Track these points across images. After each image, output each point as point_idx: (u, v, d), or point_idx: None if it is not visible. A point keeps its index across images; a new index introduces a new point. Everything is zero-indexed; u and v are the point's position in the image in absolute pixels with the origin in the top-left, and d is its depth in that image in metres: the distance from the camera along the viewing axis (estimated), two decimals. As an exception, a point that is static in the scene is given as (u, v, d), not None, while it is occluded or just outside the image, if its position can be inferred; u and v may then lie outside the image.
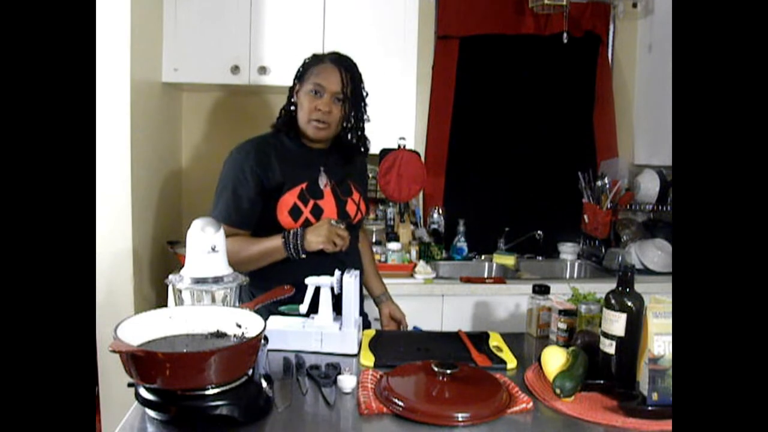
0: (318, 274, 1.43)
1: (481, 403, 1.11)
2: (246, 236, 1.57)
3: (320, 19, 2.50)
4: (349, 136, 1.67)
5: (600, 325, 1.26)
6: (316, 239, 1.51)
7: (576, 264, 2.87)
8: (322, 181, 1.61)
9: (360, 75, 1.62)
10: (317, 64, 1.59)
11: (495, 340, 1.51)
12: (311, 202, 1.57)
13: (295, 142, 1.64)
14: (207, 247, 1.27)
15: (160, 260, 2.51)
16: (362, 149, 1.70)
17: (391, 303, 1.81)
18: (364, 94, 1.63)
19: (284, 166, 1.58)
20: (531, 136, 2.92)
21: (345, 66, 1.59)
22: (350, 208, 1.65)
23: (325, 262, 1.51)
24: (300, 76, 1.62)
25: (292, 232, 1.52)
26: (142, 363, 0.97)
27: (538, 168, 2.94)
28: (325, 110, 1.55)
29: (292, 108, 1.63)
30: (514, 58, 2.87)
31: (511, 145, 2.92)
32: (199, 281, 1.27)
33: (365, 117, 1.65)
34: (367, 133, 1.69)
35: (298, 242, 1.51)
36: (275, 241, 1.52)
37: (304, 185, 1.58)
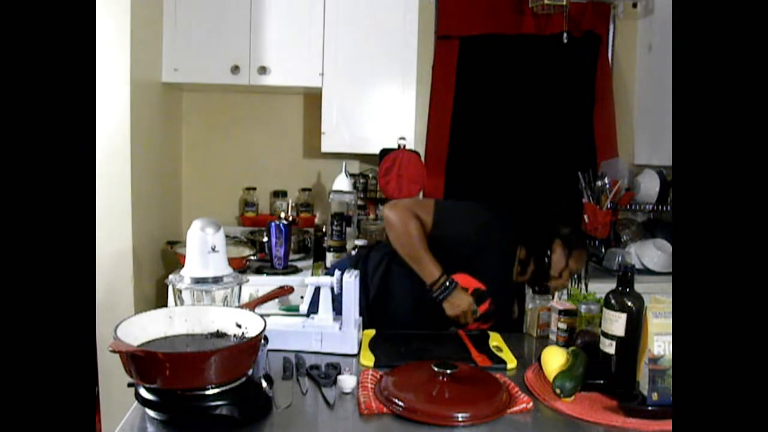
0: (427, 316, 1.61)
1: (481, 403, 1.11)
2: (423, 232, 1.60)
3: (320, 20, 2.51)
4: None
5: (600, 325, 1.26)
6: (453, 306, 1.58)
7: (576, 264, 2.86)
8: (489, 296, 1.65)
9: None
10: (583, 248, 1.69)
11: (495, 340, 1.51)
12: (473, 302, 1.62)
13: (513, 261, 1.68)
14: (207, 247, 1.28)
15: (160, 260, 2.51)
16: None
17: None
18: None
19: (491, 266, 1.64)
20: (531, 136, 2.92)
21: None
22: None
23: (432, 307, 1.60)
24: (569, 247, 1.65)
25: (447, 283, 1.58)
26: (142, 363, 0.97)
27: (538, 168, 2.93)
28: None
29: (546, 259, 1.65)
30: (514, 58, 2.87)
31: (511, 145, 2.91)
32: (199, 281, 1.27)
33: None
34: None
35: (443, 295, 1.57)
36: (433, 271, 1.58)
37: (482, 287, 1.62)
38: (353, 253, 2.33)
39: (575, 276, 1.63)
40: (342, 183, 2.48)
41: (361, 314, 1.50)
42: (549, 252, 1.64)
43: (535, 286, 1.68)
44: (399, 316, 1.68)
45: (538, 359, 1.30)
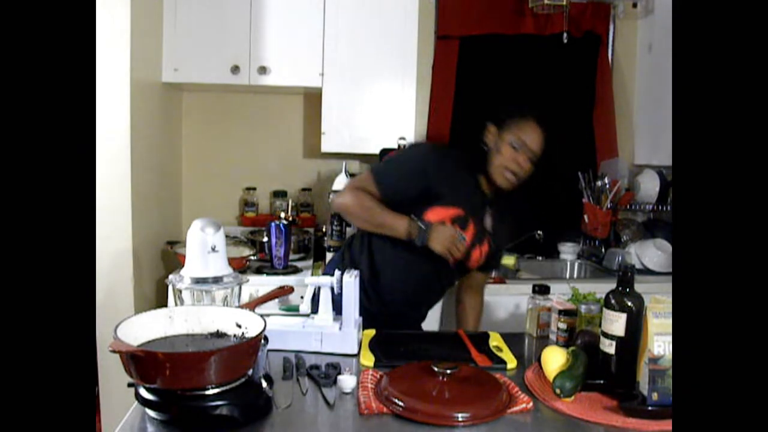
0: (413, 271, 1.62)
1: (481, 403, 1.11)
2: (375, 199, 1.59)
3: (320, 20, 2.51)
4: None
5: (600, 325, 1.26)
6: (438, 241, 1.54)
7: (576, 264, 2.87)
8: (471, 218, 1.63)
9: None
10: (523, 118, 1.65)
11: (495, 340, 1.51)
12: (457, 229, 1.59)
13: (473, 177, 1.68)
14: (207, 247, 1.27)
15: (160, 260, 2.51)
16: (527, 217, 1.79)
17: None
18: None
19: (453, 189, 1.62)
20: (531, 136, 2.91)
21: (545, 131, 1.66)
22: (475, 254, 1.67)
23: (426, 262, 1.61)
24: (502, 123, 1.66)
25: (419, 225, 1.55)
26: (142, 363, 0.97)
27: (537, 168, 2.92)
28: (524, 166, 1.62)
29: (485, 148, 1.67)
30: (514, 58, 2.87)
31: (510, 145, 2.91)
32: (199, 281, 1.27)
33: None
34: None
35: (423, 237, 1.55)
36: (400, 223, 1.57)
37: (459, 212, 1.60)
38: None
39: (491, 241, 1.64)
40: (342, 183, 2.48)
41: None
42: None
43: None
44: (397, 286, 1.67)
45: (538, 359, 1.30)
